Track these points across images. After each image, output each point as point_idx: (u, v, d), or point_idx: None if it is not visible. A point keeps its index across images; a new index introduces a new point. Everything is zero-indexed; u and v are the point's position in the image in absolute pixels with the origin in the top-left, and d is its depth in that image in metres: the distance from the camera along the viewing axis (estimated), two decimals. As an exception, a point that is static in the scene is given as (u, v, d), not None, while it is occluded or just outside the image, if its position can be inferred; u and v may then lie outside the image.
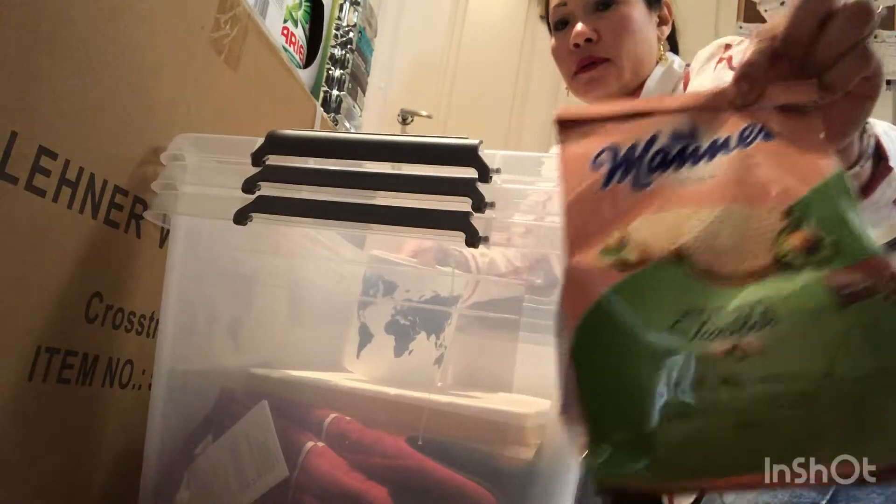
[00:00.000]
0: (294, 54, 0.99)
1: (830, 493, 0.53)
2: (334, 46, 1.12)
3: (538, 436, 0.47)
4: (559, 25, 0.85)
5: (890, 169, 0.50)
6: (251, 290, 0.64)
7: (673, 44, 0.91)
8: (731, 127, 0.33)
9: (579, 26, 0.80)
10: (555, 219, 0.44)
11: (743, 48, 0.73)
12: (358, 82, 1.18)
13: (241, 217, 0.49)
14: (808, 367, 0.26)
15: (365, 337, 0.60)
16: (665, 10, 0.87)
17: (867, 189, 0.51)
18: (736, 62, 0.71)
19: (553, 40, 0.86)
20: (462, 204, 0.44)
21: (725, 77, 0.71)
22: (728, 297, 0.28)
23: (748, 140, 0.32)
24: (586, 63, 0.81)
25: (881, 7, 2.10)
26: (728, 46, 0.75)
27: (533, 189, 0.45)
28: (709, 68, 0.76)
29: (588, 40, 0.80)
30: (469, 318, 0.78)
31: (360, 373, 0.60)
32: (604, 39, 0.80)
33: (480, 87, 2.36)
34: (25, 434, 0.46)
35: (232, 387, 0.56)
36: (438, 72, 2.40)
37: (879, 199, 0.54)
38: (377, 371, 0.59)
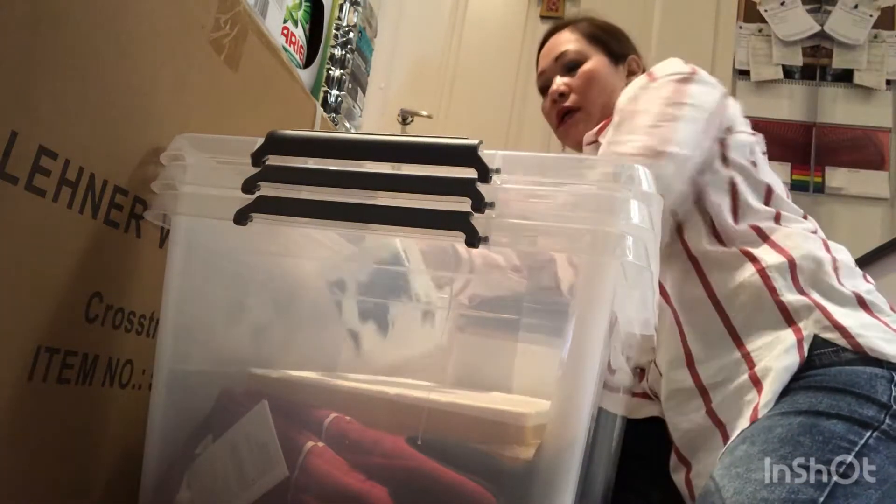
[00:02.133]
0: (294, 54, 0.99)
1: (828, 489, 0.53)
2: (334, 46, 1.12)
3: (538, 436, 0.47)
4: (543, 90, 1.02)
5: None
6: (251, 290, 0.64)
7: None
8: None
9: (554, 85, 0.98)
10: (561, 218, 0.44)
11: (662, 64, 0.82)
12: (358, 82, 1.19)
13: (241, 217, 0.49)
14: None
15: (355, 339, 0.62)
16: (634, 65, 1.01)
17: None
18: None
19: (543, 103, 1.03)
20: (462, 204, 0.44)
21: (634, 82, 0.83)
22: None
23: None
24: (563, 113, 0.97)
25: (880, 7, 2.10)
26: (651, 74, 0.83)
27: (533, 189, 0.45)
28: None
29: (561, 95, 0.97)
30: (469, 318, 0.77)
31: (372, 373, 0.61)
32: (574, 92, 0.96)
33: (480, 87, 2.36)
34: (25, 434, 0.46)
35: (232, 387, 0.56)
36: (438, 72, 2.40)
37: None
38: (383, 362, 0.60)
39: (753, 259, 0.69)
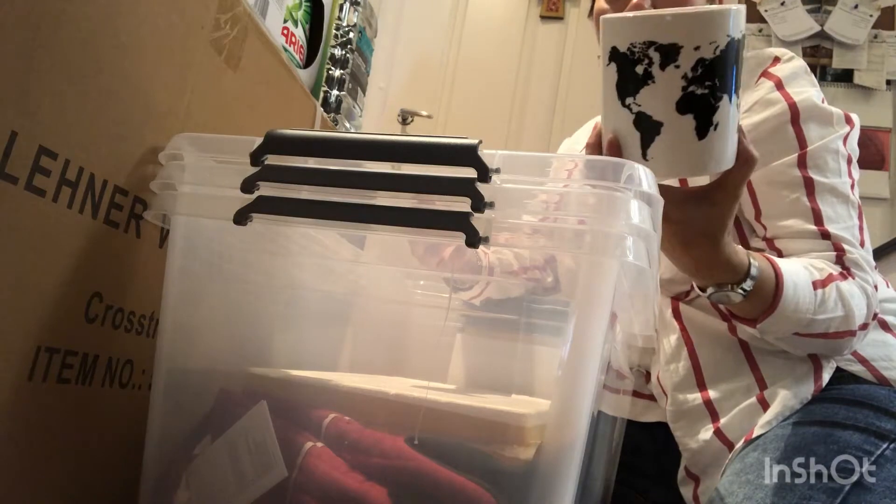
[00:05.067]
0: (294, 54, 0.99)
1: (841, 497, 0.53)
2: (334, 46, 1.12)
3: (538, 436, 0.47)
4: None
5: (773, 310, 0.57)
6: (250, 289, 0.64)
7: None
8: None
9: None
10: (561, 218, 0.44)
11: (792, 66, 0.69)
12: (358, 82, 1.18)
13: (241, 217, 0.49)
14: None
15: (648, 127, 0.46)
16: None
17: (759, 318, 0.58)
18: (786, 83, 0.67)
19: (599, 1, 0.77)
20: (462, 204, 0.44)
21: (768, 96, 0.67)
22: None
23: None
24: None
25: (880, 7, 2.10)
26: (776, 60, 0.71)
27: (533, 189, 0.45)
28: (751, 81, 0.71)
29: None
30: (470, 319, 0.78)
31: (655, 170, 0.45)
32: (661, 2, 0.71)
33: (480, 87, 2.36)
34: (25, 434, 0.46)
35: (231, 387, 0.56)
36: (438, 72, 2.40)
37: (772, 331, 0.59)
38: (677, 163, 0.48)
39: None
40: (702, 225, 0.53)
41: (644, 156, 0.47)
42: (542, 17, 2.40)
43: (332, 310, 0.74)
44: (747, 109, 0.69)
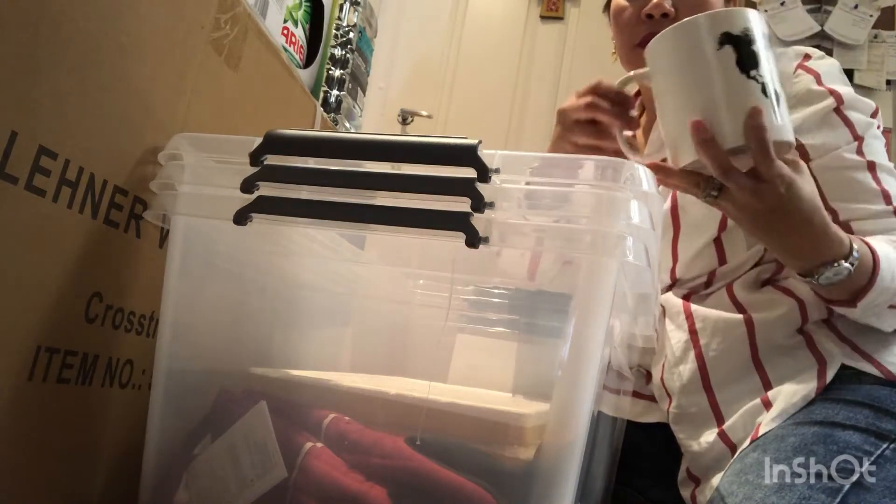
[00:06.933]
0: (294, 54, 0.99)
1: (840, 496, 0.53)
2: (334, 46, 1.12)
3: (538, 436, 0.47)
4: None
5: (874, 282, 0.58)
6: (250, 289, 0.64)
7: None
8: None
9: None
10: (561, 218, 0.44)
11: (828, 63, 0.73)
12: (358, 82, 1.18)
13: (241, 217, 0.49)
14: None
15: (774, 95, 0.51)
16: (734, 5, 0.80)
17: (859, 294, 0.59)
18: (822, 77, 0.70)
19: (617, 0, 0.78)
20: (462, 204, 0.44)
21: (814, 88, 0.69)
22: None
23: None
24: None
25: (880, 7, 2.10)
26: (808, 56, 0.73)
27: (533, 189, 0.45)
28: (789, 68, 0.72)
29: (664, 15, 0.72)
30: (470, 319, 0.77)
31: (788, 133, 0.52)
32: (680, 18, 0.70)
33: (480, 87, 2.36)
34: (25, 434, 0.46)
35: (231, 387, 0.56)
36: (438, 72, 2.40)
37: (871, 306, 0.60)
38: (789, 125, 0.53)
39: (791, 294, 0.67)
40: (811, 197, 0.55)
41: (779, 119, 0.52)
42: (542, 17, 2.40)
43: (332, 310, 0.74)
44: (793, 104, 0.69)
